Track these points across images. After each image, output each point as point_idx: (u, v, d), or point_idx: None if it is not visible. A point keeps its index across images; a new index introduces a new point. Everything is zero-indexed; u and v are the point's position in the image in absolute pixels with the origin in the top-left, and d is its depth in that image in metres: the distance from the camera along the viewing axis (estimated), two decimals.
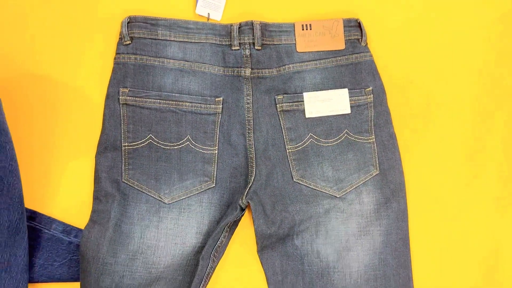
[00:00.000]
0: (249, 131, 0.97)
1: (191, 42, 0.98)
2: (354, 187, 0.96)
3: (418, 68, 1.06)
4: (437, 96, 1.05)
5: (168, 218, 0.93)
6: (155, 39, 0.97)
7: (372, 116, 0.99)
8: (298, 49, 0.99)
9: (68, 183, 0.97)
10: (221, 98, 0.97)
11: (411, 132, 1.03)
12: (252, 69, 0.98)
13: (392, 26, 1.07)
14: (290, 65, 0.99)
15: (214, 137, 0.96)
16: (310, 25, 1.00)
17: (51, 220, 0.94)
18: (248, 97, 0.98)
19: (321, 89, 0.99)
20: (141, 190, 0.93)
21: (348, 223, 0.95)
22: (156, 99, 0.95)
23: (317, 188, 0.96)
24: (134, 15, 0.97)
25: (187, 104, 0.96)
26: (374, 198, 0.96)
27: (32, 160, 0.96)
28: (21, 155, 0.94)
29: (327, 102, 0.98)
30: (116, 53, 0.97)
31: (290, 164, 0.97)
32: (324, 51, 1.00)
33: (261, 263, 0.95)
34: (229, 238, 0.95)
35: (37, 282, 0.92)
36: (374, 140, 0.98)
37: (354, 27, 1.01)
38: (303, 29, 0.99)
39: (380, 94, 1.00)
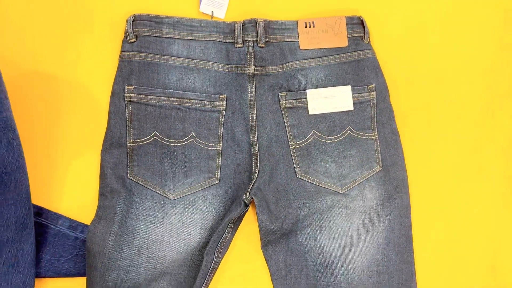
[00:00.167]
0: (252, 128, 0.97)
1: (195, 40, 0.98)
2: (357, 183, 0.97)
3: (421, 65, 1.06)
4: (439, 92, 1.05)
5: (173, 214, 0.94)
6: (159, 37, 0.98)
7: (375, 113, 0.99)
8: (301, 47, 1.00)
9: (74, 180, 0.98)
10: (225, 95, 0.98)
11: (414, 129, 1.03)
12: (255, 66, 0.98)
13: (394, 23, 1.07)
14: (293, 63, 0.99)
15: (218, 134, 0.97)
16: (313, 22, 1.00)
17: (57, 216, 0.95)
18: (251, 94, 0.98)
19: (324, 86, 0.99)
20: (146, 186, 0.94)
21: (351, 219, 0.96)
22: (160, 96, 0.96)
23: (320, 184, 0.97)
24: (139, 13, 0.98)
25: (192, 101, 0.97)
26: (377, 194, 0.97)
27: (39, 157, 0.98)
28: (28, 152, 0.95)
29: (330, 99, 0.99)
30: (121, 51, 0.98)
31: (294, 160, 0.97)
32: (327, 48, 1.00)
33: (265, 258, 0.96)
34: (233, 233, 0.96)
35: (44, 277, 0.93)
36: (377, 136, 0.99)
37: (356, 24, 1.01)
38: (306, 27, 1.00)
39: (382, 91, 1.01)
